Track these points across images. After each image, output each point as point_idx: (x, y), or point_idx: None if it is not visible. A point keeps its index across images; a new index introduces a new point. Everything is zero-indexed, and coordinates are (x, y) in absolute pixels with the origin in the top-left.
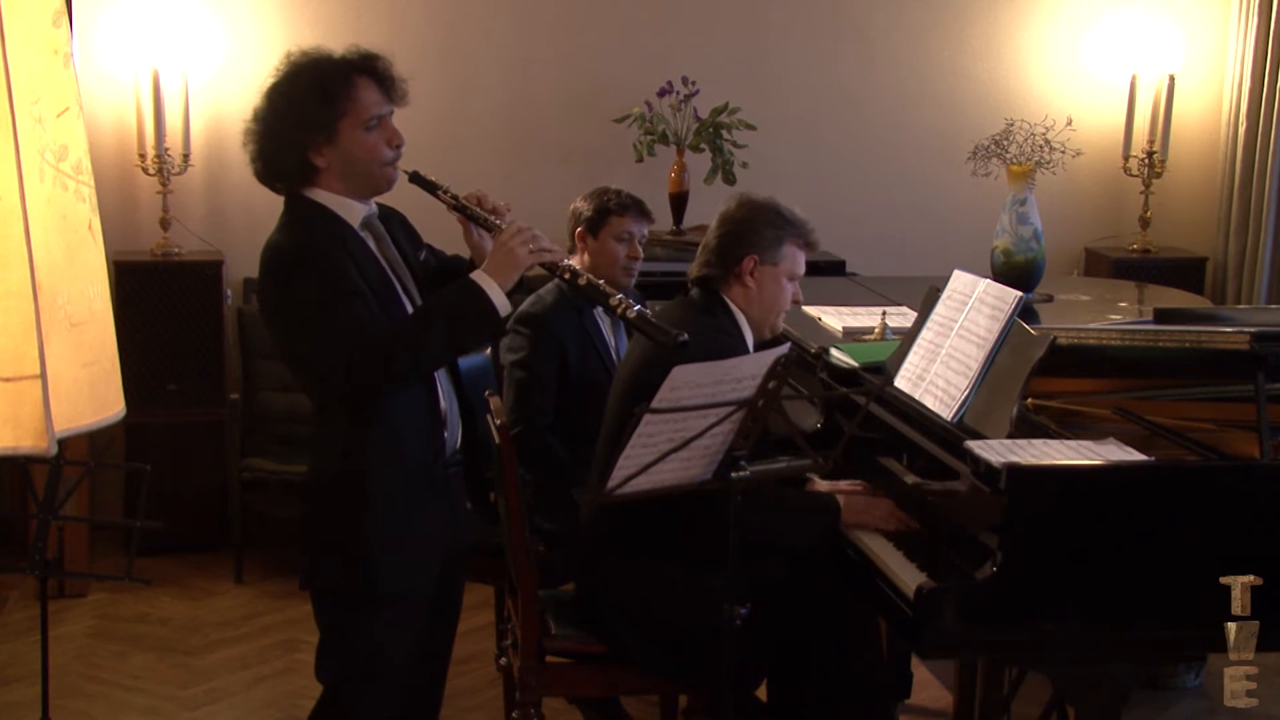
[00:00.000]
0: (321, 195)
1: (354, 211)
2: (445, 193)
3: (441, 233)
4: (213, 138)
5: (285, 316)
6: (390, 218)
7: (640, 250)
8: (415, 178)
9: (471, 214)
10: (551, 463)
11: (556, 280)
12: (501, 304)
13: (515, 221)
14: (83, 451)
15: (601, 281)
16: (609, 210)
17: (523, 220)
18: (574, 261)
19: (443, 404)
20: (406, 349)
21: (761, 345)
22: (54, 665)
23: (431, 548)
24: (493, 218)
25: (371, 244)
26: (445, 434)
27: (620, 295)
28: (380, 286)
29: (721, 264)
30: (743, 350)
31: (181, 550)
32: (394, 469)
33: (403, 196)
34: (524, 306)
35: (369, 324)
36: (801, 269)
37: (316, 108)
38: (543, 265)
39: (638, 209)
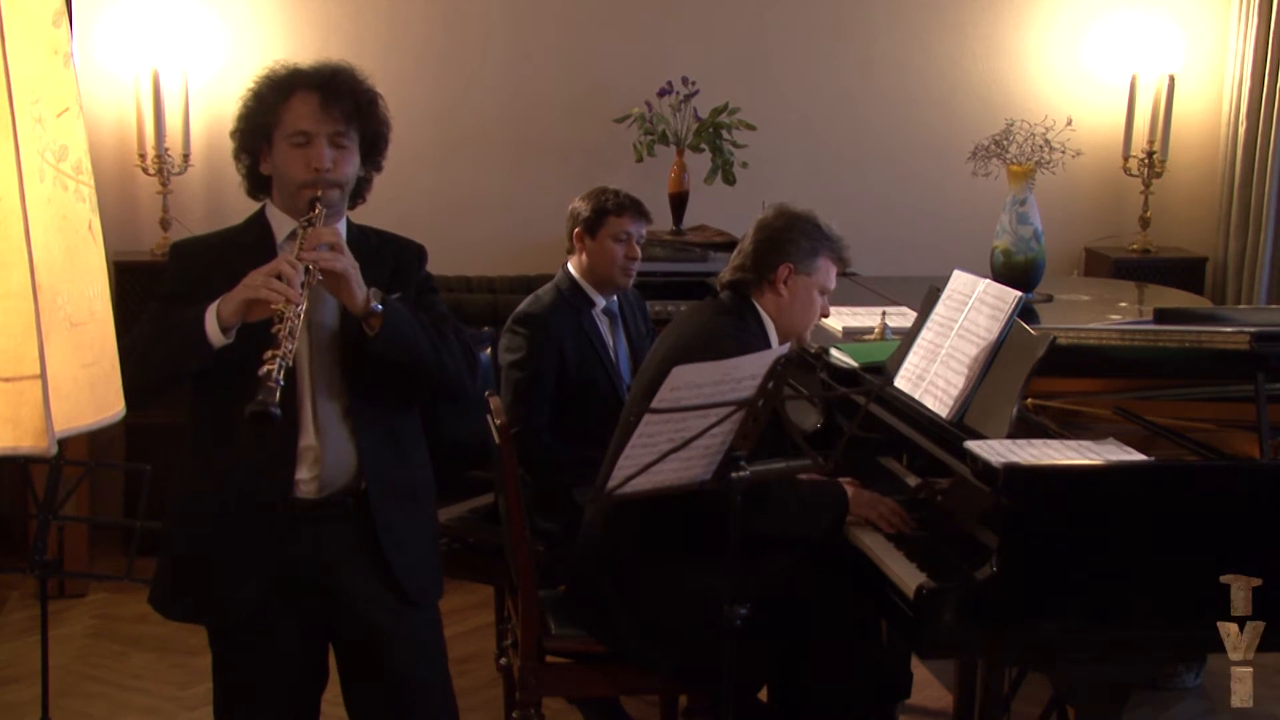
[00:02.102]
0: (270, 207)
1: (283, 225)
2: (304, 221)
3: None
4: (213, 138)
5: None
6: (380, 248)
7: (638, 250)
8: (309, 202)
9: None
10: (549, 463)
11: (556, 284)
12: (212, 332)
13: (282, 258)
14: (83, 451)
15: (286, 336)
16: (606, 210)
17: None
18: (571, 262)
19: (308, 441)
20: (132, 355)
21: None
22: (54, 665)
23: (244, 582)
24: (292, 254)
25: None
26: (303, 473)
27: (278, 354)
28: None
29: (756, 270)
30: None
31: None
32: (208, 491)
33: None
34: (522, 307)
35: (141, 328)
36: (832, 284)
37: (258, 116)
38: (261, 302)
39: (635, 209)
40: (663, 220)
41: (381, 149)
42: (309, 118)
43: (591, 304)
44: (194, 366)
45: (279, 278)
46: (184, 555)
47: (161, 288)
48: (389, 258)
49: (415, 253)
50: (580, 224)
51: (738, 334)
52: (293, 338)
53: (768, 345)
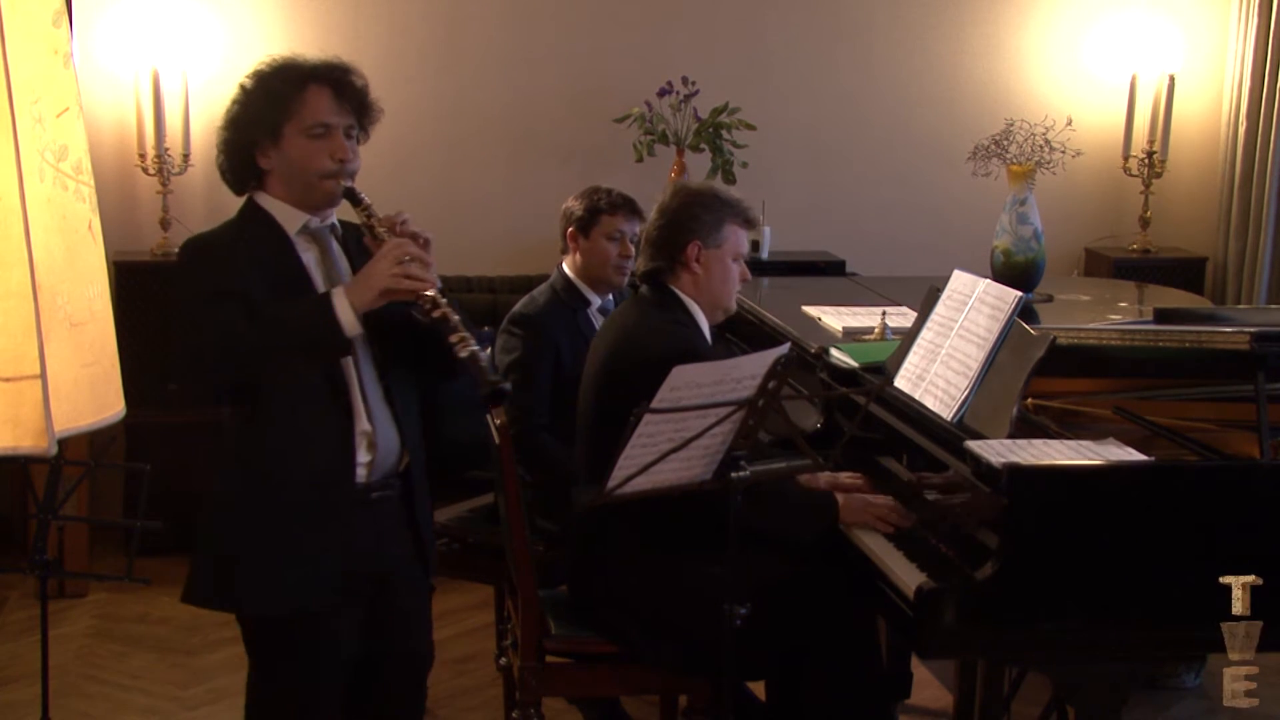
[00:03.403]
0: (265, 199)
1: (293, 218)
2: (362, 209)
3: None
4: (213, 138)
5: (175, 308)
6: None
7: (632, 249)
8: (347, 192)
9: (374, 233)
10: (548, 461)
11: (551, 284)
12: (347, 322)
13: (401, 241)
14: (83, 451)
15: (457, 318)
16: (600, 210)
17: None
18: (565, 262)
19: (364, 426)
20: (242, 351)
21: (759, 343)
22: (54, 665)
23: (318, 573)
24: (388, 235)
25: (310, 255)
26: (363, 457)
27: (464, 334)
28: (296, 296)
29: (666, 255)
30: (701, 339)
31: (181, 550)
32: (275, 485)
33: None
34: (517, 308)
35: (228, 325)
36: (745, 247)
37: (265, 109)
38: (406, 289)
39: (629, 208)
40: None
41: (362, 143)
42: (328, 110)
43: (587, 303)
44: (326, 358)
45: (410, 265)
46: (251, 548)
47: (200, 285)
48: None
49: None
50: (573, 223)
51: (664, 325)
52: (459, 318)
53: (697, 328)
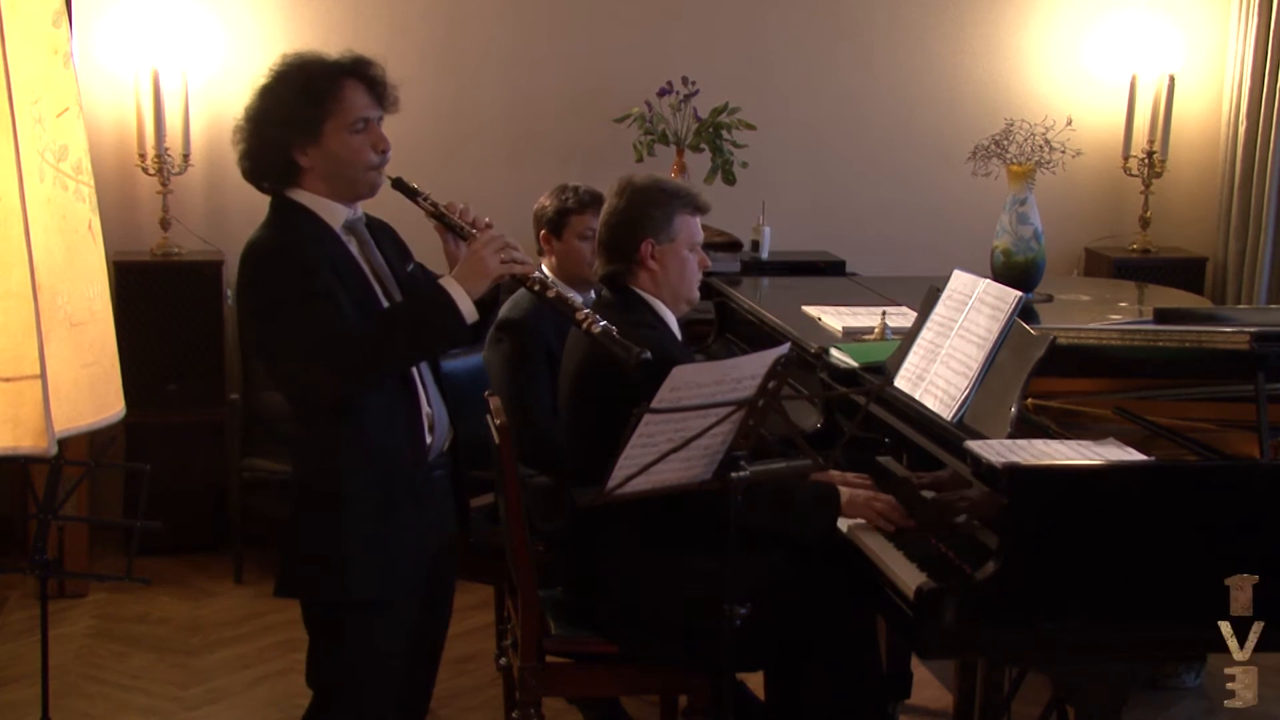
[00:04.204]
0: (304, 196)
1: (336, 213)
2: (425, 200)
3: (425, 246)
4: (213, 138)
5: (256, 315)
6: (380, 229)
7: None
8: (397, 183)
9: (448, 222)
10: (557, 459)
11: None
12: (468, 311)
13: (490, 231)
14: (83, 451)
15: (571, 295)
16: (568, 209)
17: (505, 232)
18: (543, 263)
19: (426, 408)
20: (367, 352)
21: (759, 343)
22: (54, 665)
23: (412, 552)
24: (469, 227)
25: (353, 247)
26: (429, 438)
27: (587, 310)
28: (358, 289)
29: (621, 257)
30: (669, 339)
31: (181, 550)
32: (369, 473)
33: (392, 210)
34: (502, 313)
35: (334, 325)
36: (699, 236)
37: (302, 107)
38: (513, 276)
39: (597, 205)
40: None
41: None
42: (366, 105)
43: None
44: (446, 348)
45: (512, 251)
46: (351, 535)
47: (287, 289)
48: (387, 234)
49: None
50: (545, 225)
51: (633, 328)
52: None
53: (664, 327)
